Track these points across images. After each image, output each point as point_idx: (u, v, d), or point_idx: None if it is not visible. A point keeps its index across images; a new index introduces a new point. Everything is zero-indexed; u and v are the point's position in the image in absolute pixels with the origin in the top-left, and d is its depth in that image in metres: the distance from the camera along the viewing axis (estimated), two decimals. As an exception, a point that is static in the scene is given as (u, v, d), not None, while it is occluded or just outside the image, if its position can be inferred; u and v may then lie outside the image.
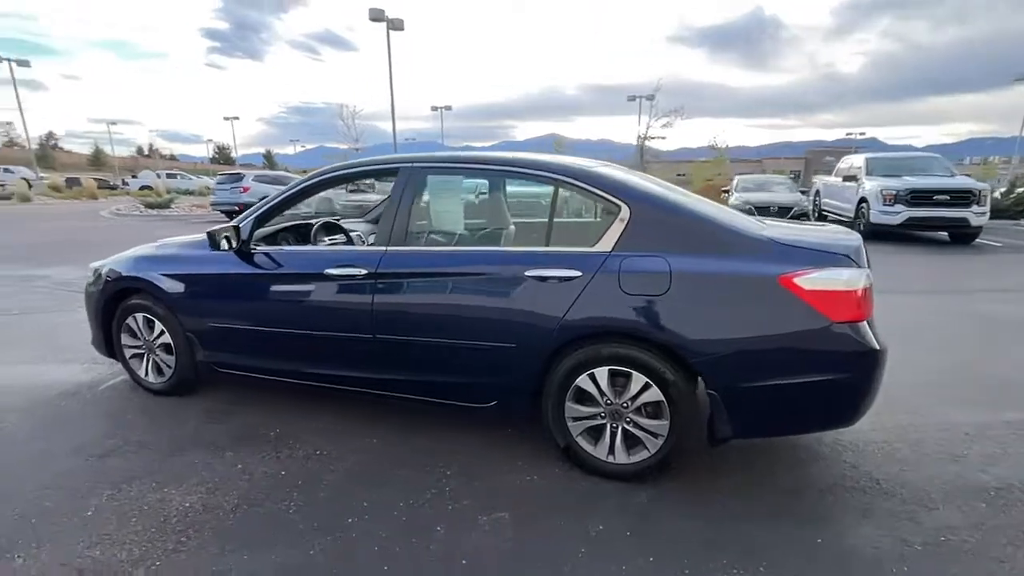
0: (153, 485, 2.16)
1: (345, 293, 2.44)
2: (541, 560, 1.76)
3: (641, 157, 15.29)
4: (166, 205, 19.48)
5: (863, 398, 2.01)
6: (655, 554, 1.77)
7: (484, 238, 2.92)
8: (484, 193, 2.78)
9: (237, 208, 14.02)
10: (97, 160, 77.62)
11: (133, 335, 3.01)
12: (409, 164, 2.49)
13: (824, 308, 1.90)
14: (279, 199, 2.72)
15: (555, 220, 2.36)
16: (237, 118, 52.41)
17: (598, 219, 2.46)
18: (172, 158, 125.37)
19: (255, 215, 2.71)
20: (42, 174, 36.13)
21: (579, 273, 2.09)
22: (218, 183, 15.80)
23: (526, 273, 2.15)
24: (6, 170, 36.98)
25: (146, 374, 3.03)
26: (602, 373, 2.11)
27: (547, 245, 2.28)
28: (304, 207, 3.75)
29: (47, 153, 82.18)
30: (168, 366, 2.95)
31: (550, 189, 2.33)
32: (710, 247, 2.04)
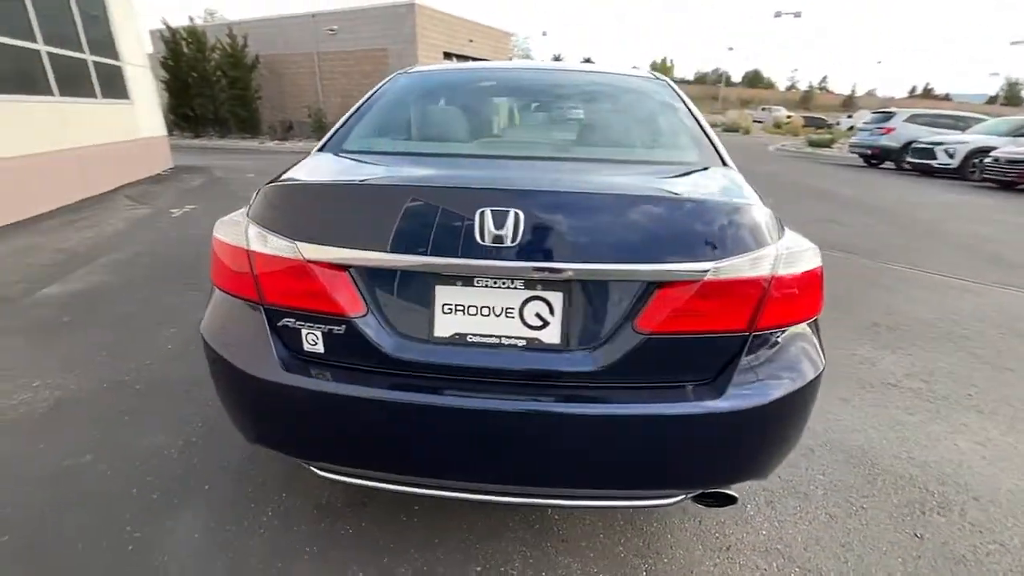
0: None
1: None
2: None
3: None
4: (827, 144, 19.53)
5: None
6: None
7: None
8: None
9: (870, 152, 12.89)
10: (848, 101, 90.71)
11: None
12: None
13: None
14: None
15: None
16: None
17: None
18: (946, 98, 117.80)
19: None
20: (790, 113, 40.13)
21: None
22: (864, 122, 14.15)
23: None
24: (764, 108, 45.81)
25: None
26: None
27: None
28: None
29: (812, 95, 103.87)
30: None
31: None
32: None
